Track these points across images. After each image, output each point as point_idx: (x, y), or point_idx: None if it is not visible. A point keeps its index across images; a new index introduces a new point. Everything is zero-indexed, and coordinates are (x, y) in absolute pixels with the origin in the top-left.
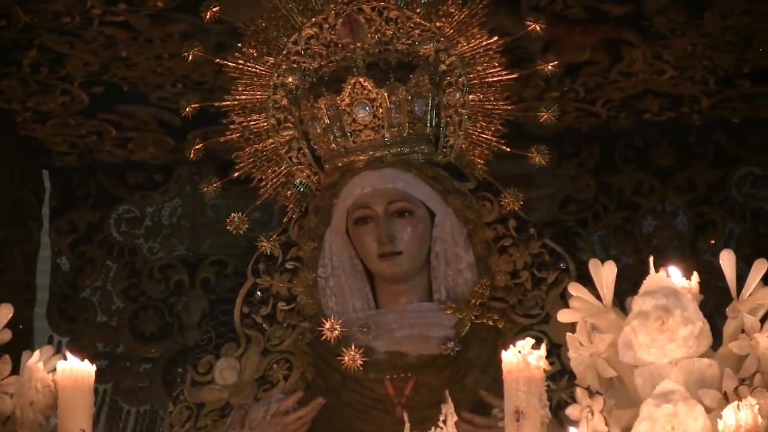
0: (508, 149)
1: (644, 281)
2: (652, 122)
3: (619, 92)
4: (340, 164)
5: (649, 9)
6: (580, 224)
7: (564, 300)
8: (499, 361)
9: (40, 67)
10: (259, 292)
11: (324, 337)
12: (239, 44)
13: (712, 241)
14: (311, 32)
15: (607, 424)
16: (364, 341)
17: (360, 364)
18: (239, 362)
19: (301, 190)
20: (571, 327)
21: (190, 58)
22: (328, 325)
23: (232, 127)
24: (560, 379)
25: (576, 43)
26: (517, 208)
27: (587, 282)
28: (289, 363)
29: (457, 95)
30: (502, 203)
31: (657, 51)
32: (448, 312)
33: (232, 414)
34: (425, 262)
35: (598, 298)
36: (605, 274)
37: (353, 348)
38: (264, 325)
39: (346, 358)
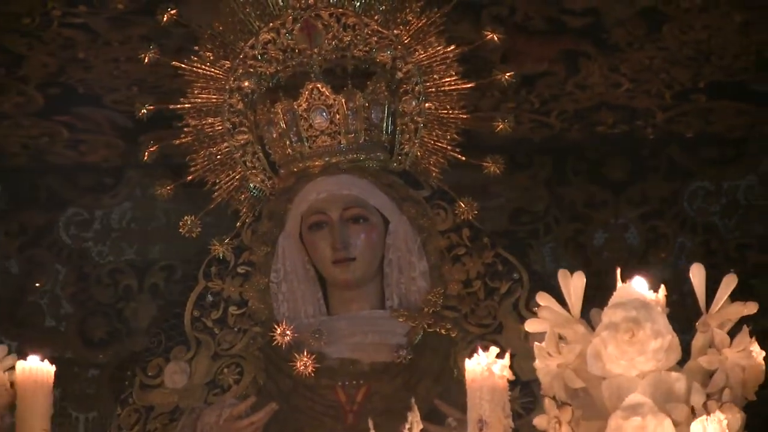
0: (464, 158)
1: (614, 292)
2: (605, 135)
3: (574, 104)
4: (295, 169)
5: (608, 21)
6: (531, 235)
7: (517, 310)
8: (452, 370)
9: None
10: (210, 296)
11: (275, 343)
12: (196, 47)
13: (663, 256)
14: (268, 37)
15: None
16: (316, 347)
17: (312, 371)
18: (189, 366)
19: (255, 194)
20: (524, 337)
21: (146, 60)
22: (279, 331)
23: (186, 130)
24: (513, 389)
25: (534, 54)
26: (471, 218)
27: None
28: (240, 367)
29: (413, 103)
30: (456, 212)
31: (614, 64)
32: (401, 320)
33: (183, 418)
34: (378, 269)
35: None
36: (574, 284)
37: (305, 354)
38: (215, 329)
39: (298, 363)
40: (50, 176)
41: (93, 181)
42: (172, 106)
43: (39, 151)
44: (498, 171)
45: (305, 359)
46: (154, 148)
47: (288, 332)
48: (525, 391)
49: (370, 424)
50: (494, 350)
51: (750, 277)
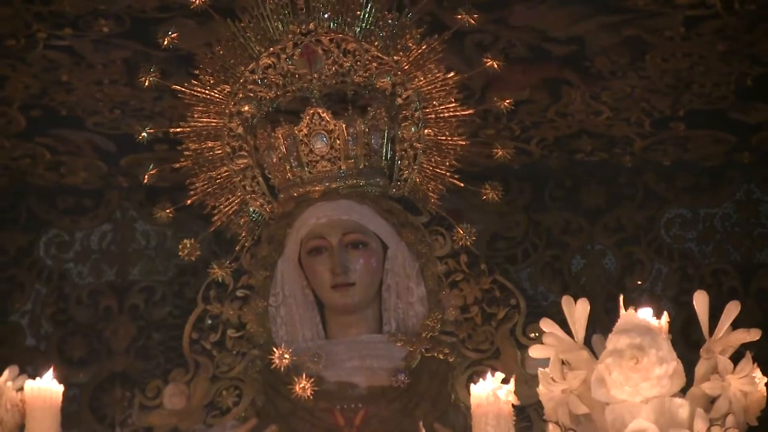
0: (462, 184)
1: (620, 318)
2: (583, 162)
3: (554, 131)
4: (295, 194)
5: (592, 50)
6: (508, 261)
7: (514, 336)
8: (449, 394)
9: None
10: (209, 319)
11: (274, 366)
12: (196, 71)
13: (639, 282)
14: (269, 62)
15: None
16: (314, 371)
17: (310, 394)
18: (188, 388)
19: (254, 218)
20: (521, 363)
21: (146, 84)
22: (278, 354)
23: (186, 153)
24: None
25: (517, 82)
26: (469, 244)
27: (537, 319)
28: (239, 390)
29: (413, 129)
30: (454, 238)
31: (596, 92)
32: (399, 344)
33: None
34: (376, 294)
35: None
36: (578, 311)
37: (304, 377)
38: (213, 351)
39: (297, 387)
40: (31, 197)
41: (73, 203)
42: (172, 130)
43: (20, 172)
44: (497, 198)
45: (304, 382)
46: (154, 171)
47: (286, 355)
48: (521, 416)
49: None
50: (500, 375)
51: (725, 302)
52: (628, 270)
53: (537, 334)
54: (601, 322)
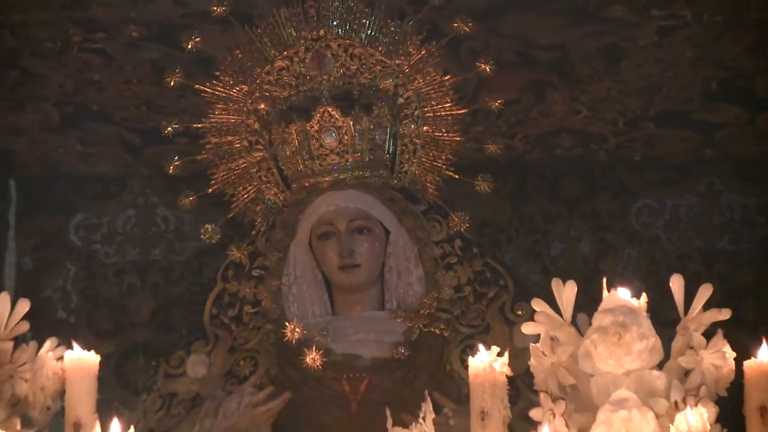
0: (457, 176)
1: (604, 299)
2: (562, 157)
3: (537, 129)
4: (306, 184)
5: (573, 56)
6: (494, 245)
7: (503, 313)
8: (445, 365)
9: (19, 87)
10: (227, 296)
11: (286, 339)
12: (217, 72)
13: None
14: (282, 64)
15: (566, 426)
16: (323, 344)
17: (319, 364)
18: (209, 358)
19: (269, 206)
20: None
21: (172, 84)
22: (290, 328)
23: (207, 147)
24: None
25: (505, 84)
26: (463, 230)
27: (523, 298)
28: (254, 360)
29: (413, 126)
30: (449, 225)
31: (575, 94)
32: (399, 320)
33: (206, 404)
34: (379, 275)
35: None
36: (567, 293)
37: (313, 349)
38: (231, 325)
39: (307, 358)
40: (62, 184)
41: (100, 190)
42: (195, 125)
43: (53, 162)
44: (488, 189)
45: (313, 354)
46: (179, 162)
47: (297, 330)
48: (511, 385)
49: (388, 412)
50: (495, 349)
51: (689, 285)
52: (601, 254)
53: (523, 312)
54: (577, 302)
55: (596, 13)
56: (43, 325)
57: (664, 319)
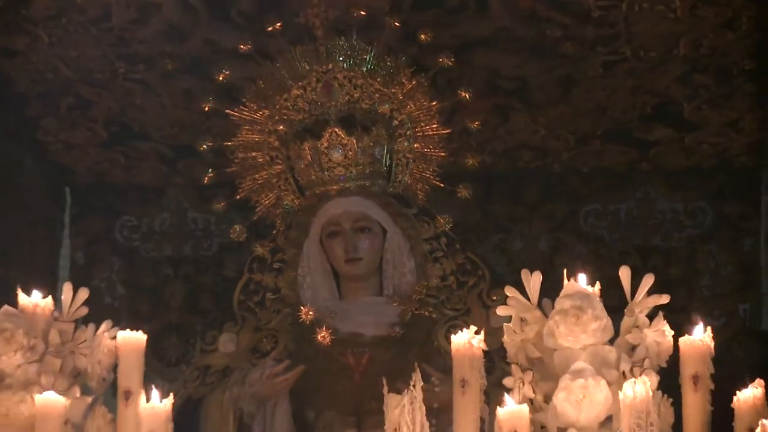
0: (442, 185)
1: (564, 286)
2: (523, 168)
3: (502, 145)
4: (317, 191)
5: (533, 84)
6: (466, 243)
7: (481, 298)
8: (433, 342)
9: (74, 110)
10: (252, 285)
11: (301, 320)
12: (243, 99)
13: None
14: (298, 93)
15: (533, 392)
16: (331, 324)
17: (329, 341)
18: (237, 336)
19: (287, 209)
20: (486, 319)
21: (206, 109)
22: (304, 311)
23: (235, 161)
24: None
25: (476, 108)
26: (447, 229)
27: (497, 286)
28: (275, 338)
29: (405, 144)
30: (436, 225)
31: (535, 116)
32: (394, 304)
33: (235, 374)
34: (378, 267)
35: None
36: (533, 281)
37: (324, 329)
38: (256, 309)
39: (319, 336)
40: (109, 192)
41: (141, 196)
42: (226, 143)
43: (101, 173)
44: (468, 196)
45: (324, 333)
46: (212, 174)
47: (311, 312)
48: (487, 358)
49: (383, 381)
50: (473, 328)
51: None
52: (556, 250)
53: (497, 298)
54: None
55: (552, 49)
56: (93, 309)
57: (609, 305)
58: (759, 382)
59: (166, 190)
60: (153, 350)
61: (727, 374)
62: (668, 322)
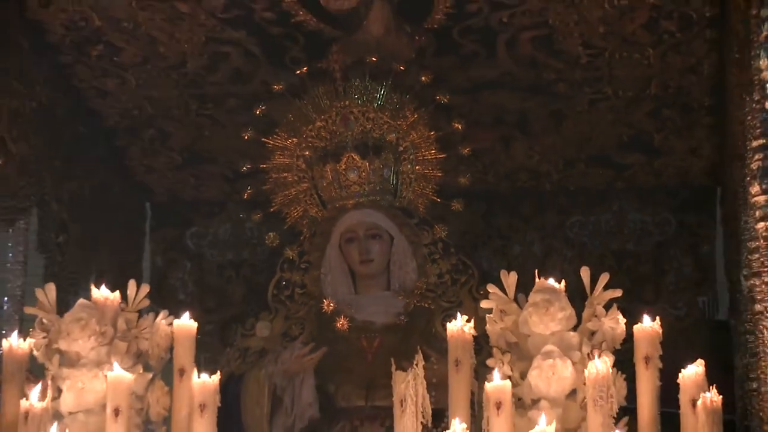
0: (439, 200)
1: (536, 284)
2: (520, 187)
3: (503, 168)
4: (337, 205)
5: (530, 117)
6: (474, 247)
7: (471, 293)
8: (432, 329)
9: (155, 140)
10: (283, 282)
11: (324, 310)
12: (276, 129)
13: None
14: (321, 124)
15: (511, 370)
16: (348, 313)
17: (346, 328)
18: (271, 324)
19: (312, 220)
20: (474, 310)
21: (246, 137)
22: (326, 303)
23: (270, 180)
24: None
25: (482, 137)
26: (443, 236)
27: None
28: (302, 325)
29: (409, 166)
30: (434, 233)
31: (531, 144)
32: (400, 298)
33: (269, 355)
34: (386, 267)
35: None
36: (510, 279)
37: (342, 317)
38: (286, 301)
39: (338, 323)
40: (182, 206)
41: (208, 210)
42: (263, 165)
43: (176, 191)
44: (460, 209)
45: (342, 321)
46: (251, 191)
47: (331, 304)
48: (475, 342)
49: (392, 361)
50: (464, 318)
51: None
52: (547, 254)
53: (484, 293)
54: (527, 286)
55: (546, 89)
56: (168, 305)
57: (583, 298)
58: (700, 361)
59: (227, 204)
60: (219, 336)
61: (684, 355)
62: (635, 314)
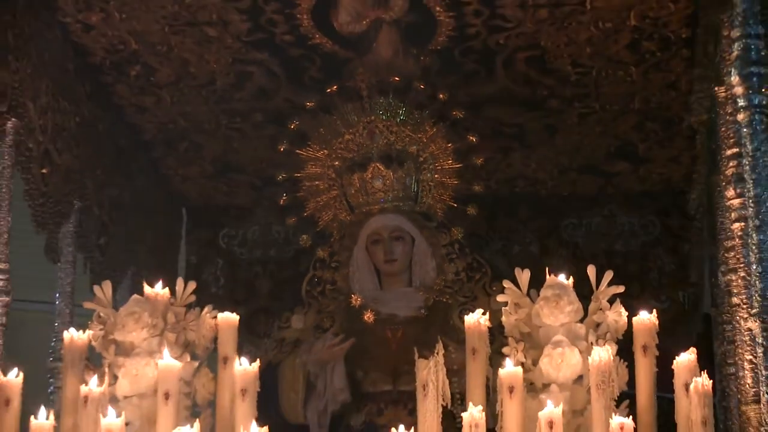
0: (455, 205)
1: (547, 280)
2: (519, 192)
3: (503, 175)
4: (364, 210)
5: (526, 131)
6: (479, 248)
7: (485, 289)
8: (449, 321)
9: (189, 151)
10: (316, 279)
11: (352, 305)
12: (308, 141)
13: None
14: (349, 137)
15: (524, 357)
16: (374, 307)
17: (373, 320)
18: (305, 317)
19: (341, 223)
20: (489, 304)
21: (281, 149)
22: (354, 298)
23: (303, 188)
24: None
25: (485, 148)
26: (459, 238)
27: (496, 280)
28: (333, 318)
29: (429, 175)
30: (451, 235)
31: (528, 154)
32: (420, 293)
33: (303, 346)
34: (408, 265)
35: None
36: (524, 276)
37: (369, 311)
38: (318, 297)
39: (365, 316)
40: (214, 211)
41: (238, 214)
42: (297, 174)
43: (209, 197)
44: (474, 213)
45: (369, 314)
46: (286, 198)
47: (359, 299)
48: (489, 333)
49: (415, 350)
50: (480, 311)
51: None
52: (544, 253)
53: (497, 288)
54: (531, 283)
55: (540, 104)
56: (203, 297)
57: (581, 293)
58: (692, 349)
59: (255, 209)
60: (246, 326)
61: (666, 344)
62: (625, 305)
